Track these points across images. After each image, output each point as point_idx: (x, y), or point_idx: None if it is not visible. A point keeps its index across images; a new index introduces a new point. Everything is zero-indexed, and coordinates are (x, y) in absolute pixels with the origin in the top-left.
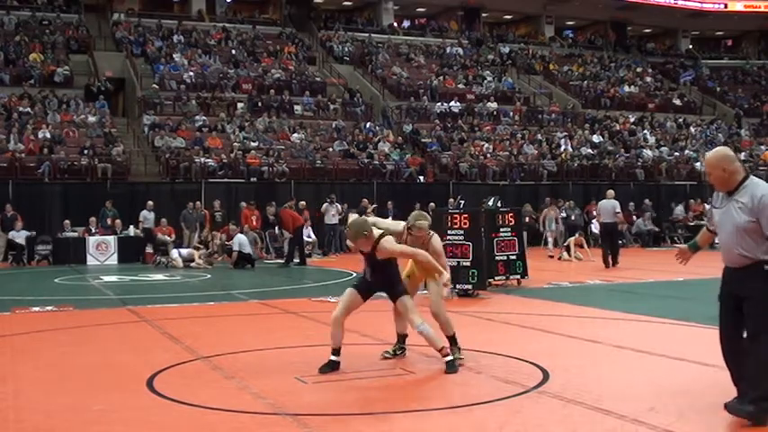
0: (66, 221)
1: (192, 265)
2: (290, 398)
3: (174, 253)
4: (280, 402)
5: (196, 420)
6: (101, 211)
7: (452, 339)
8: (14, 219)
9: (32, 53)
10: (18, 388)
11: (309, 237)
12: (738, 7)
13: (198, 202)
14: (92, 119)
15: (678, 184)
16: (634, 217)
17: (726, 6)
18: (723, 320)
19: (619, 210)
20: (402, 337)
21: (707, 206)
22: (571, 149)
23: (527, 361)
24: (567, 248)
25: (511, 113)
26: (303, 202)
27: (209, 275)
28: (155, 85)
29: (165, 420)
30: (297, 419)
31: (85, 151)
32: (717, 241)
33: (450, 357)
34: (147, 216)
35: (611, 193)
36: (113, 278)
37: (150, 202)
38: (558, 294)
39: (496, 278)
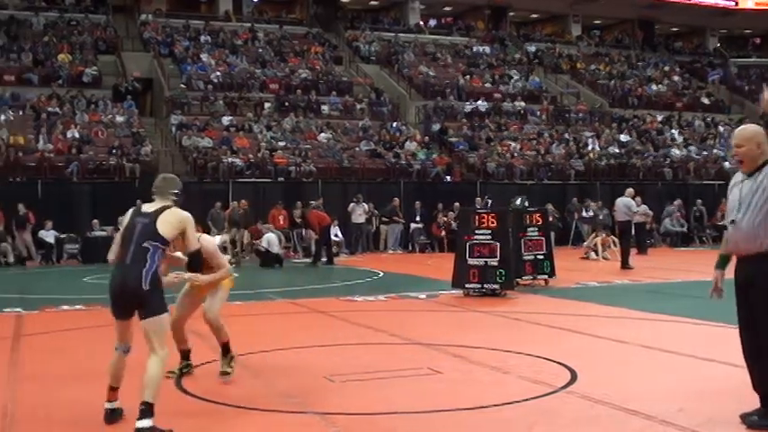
0: (95, 220)
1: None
2: (318, 397)
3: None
4: (308, 401)
5: (225, 419)
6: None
7: (226, 347)
8: (26, 218)
9: (61, 54)
10: (47, 386)
11: (337, 236)
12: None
13: (235, 203)
14: (120, 119)
15: (706, 184)
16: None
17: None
18: (740, 317)
19: (635, 209)
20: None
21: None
22: (599, 149)
23: (555, 361)
24: (595, 248)
25: (538, 113)
26: (313, 203)
27: (237, 274)
28: (182, 85)
29: (193, 419)
30: (325, 418)
31: (114, 151)
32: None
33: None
34: None
35: (629, 191)
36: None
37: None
38: (585, 294)
39: (524, 278)
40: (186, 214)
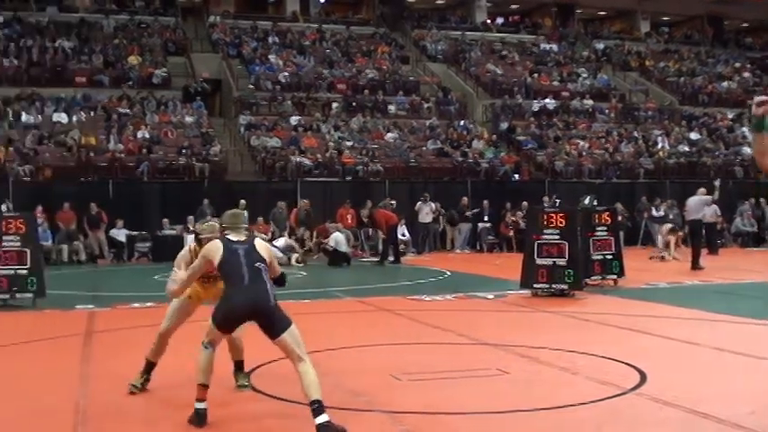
0: (165, 220)
1: (292, 261)
2: (386, 395)
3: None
4: (375, 400)
5: (293, 416)
6: (198, 209)
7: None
8: (99, 217)
9: (131, 56)
10: (118, 382)
11: (404, 235)
12: None
13: (305, 201)
14: (189, 119)
15: None
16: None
17: None
18: None
19: (709, 207)
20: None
21: None
22: (668, 147)
23: (624, 362)
24: (667, 246)
25: (606, 111)
26: (393, 202)
27: (305, 273)
28: (250, 86)
29: (261, 416)
30: (392, 417)
31: (183, 151)
32: None
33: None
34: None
35: (701, 190)
36: None
37: (243, 201)
38: (654, 295)
39: (593, 278)
40: (270, 246)
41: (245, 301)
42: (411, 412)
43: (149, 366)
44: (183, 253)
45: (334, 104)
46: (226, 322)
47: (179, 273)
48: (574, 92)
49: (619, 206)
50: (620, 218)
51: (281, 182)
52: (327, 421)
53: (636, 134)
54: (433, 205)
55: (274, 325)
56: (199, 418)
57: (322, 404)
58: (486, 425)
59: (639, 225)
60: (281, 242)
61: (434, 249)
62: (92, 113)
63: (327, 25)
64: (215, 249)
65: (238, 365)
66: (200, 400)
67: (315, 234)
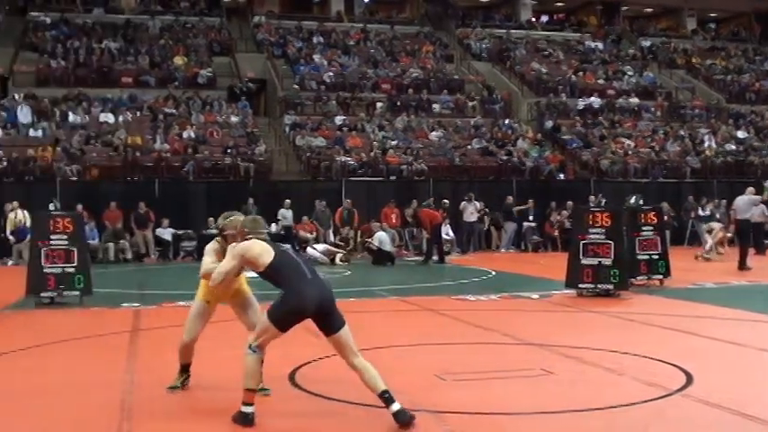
0: (210, 219)
1: (336, 260)
2: (430, 395)
3: (310, 251)
4: (419, 399)
5: (337, 414)
6: (243, 208)
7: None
8: (147, 216)
9: (176, 56)
10: (163, 379)
11: (448, 234)
12: None
13: (348, 201)
14: (234, 119)
15: None
16: None
17: None
18: None
19: (757, 207)
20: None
21: None
22: (715, 146)
23: (670, 363)
24: (720, 245)
25: (652, 109)
26: (446, 201)
27: (349, 272)
28: (295, 86)
29: (306, 414)
30: (437, 416)
31: (228, 150)
32: None
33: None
34: (285, 214)
35: (750, 189)
36: (255, 274)
37: (288, 201)
38: (701, 295)
39: (638, 278)
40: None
41: (315, 295)
42: (455, 412)
43: (183, 368)
44: (209, 246)
45: (379, 104)
46: (290, 318)
47: (206, 259)
48: (619, 90)
49: (665, 206)
50: (666, 217)
51: (326, 181)
52: (402, 408)
53: (682, 133)
54: (477, 204)
55: (335, 320)
56: (246, 420)
57: (391, 393)
58: (530, 425)
59: (686, 225)
60: (320, 247)
61: (479, 249)
62: (138, 113)
63: (372, 25)
64: (261, 250)
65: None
66: (247, 404)
67: (359, 233)
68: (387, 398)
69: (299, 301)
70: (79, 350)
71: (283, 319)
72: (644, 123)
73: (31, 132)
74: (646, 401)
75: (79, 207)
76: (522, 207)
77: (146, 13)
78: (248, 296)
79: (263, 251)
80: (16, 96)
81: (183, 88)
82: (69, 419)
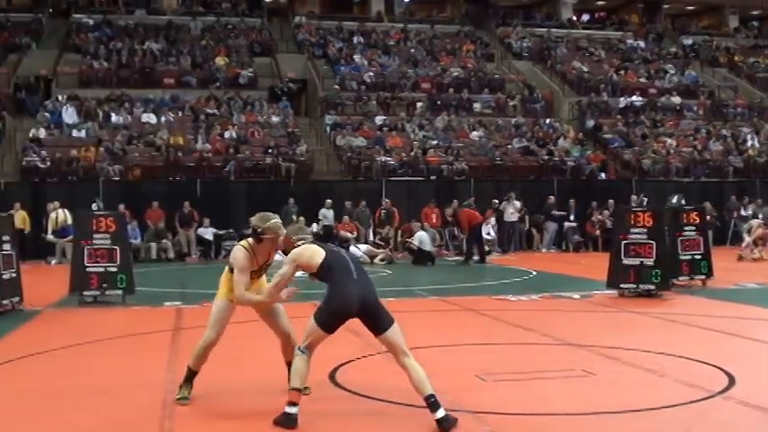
0: (251, 218)
1: (376, 260)
2: (470, 395)
3: (353, 249)
4: (459, 399)
5: (378, 413)
6: (284, 208)
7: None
8: (191, 216)
9: (218, 57)
10: (204, 378)
11: (489, 234)
12: None
13: (387, 200)
14: (275, 119)
15: None
16: None
17: None
18: None
19: None
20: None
21: None
22: (758, 145)
23: (711, 364)
24: (756, 245)
25: (695, 108)
26: (496, 201)
27: (389, 272)
28: (336, 86)
29: (347, 413)
30: (476, 417)
31: (270, 150)
32: None
33: None
34: (325, 214)
35: None
36: (297, 273)
37: (329, 201)
38: (744, 296)
39: (680, 278)
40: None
41: (358, 294)
42: (495, 413)
43: (191, 375)
44: (239, 256)
45: (419, 103)
46: (334, 319)
47: (240, 279)
48: (661, 89)
49: (707, 205)
50: (708, 217)
51: (366, 181)
52: (446, 415)
53: (725, 132)
54: (517, 204)
55: (382, 319)
56: (289, 422)
57: (437, 398)
58: (571, 426)
59: (728, 225)
60: (363, 247)
61: (520, 249)
62: (180, 114)
63: (412, 24)
64: (312, 253)
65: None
66: (292, 404)
67: (399, 233)
68: (432, 402)
69: (342, 302)
70: (121, 349)
71: (328, 320)
72: (686, 122)
73: (75, 133)
74: (687, 403)
75: (121, 207)
76: (560, 213)
77: (187, 15)
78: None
79: (313, 254)
80: (60, 97)
81: (224, 89)
82: (111, 418)
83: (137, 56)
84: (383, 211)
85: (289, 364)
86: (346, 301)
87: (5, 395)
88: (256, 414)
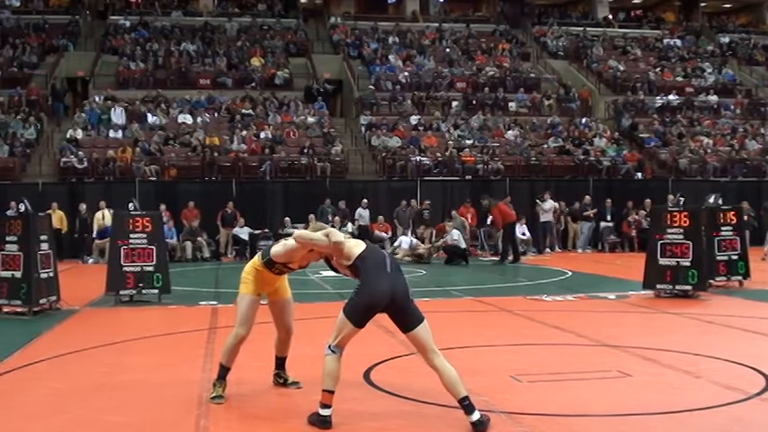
0: (287, 218)
1: (406, 258)
2: (505, 396)
3: (399, 242)
4: (494, 400)
5: (411, 413)
6: (319, 208)
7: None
8: (234, 216)
9: (253, 57)
10: (240, 376)
11: (524, 234)
12: None
13: (413, 200)
14: (311, 119)
15: None
16: None
17: None
18: None
19: None
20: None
21: None
22: None
23: (749, 366)
24: None
25: (732, 107)
26: (539, 201)
27: (423, 272)
28: (371, 86)
29: (381, 412)
30: (511, 418)
31: (305, 151)
32: None
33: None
34: (362, 213)
35: None
36: (332, 273)
37: (365, 200)
38: None
39: (717, 279)
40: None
41: (389, 287)
42: (530, 413)
43: (224, 371)
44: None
45: (454, 103)
46: (364, 312)
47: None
48: (698, 87)
49: (745, 205)
50: (745, 217)
51: (402, 181)
52: (481, 418)
53: (762, 131)
54: (551, 203)
55: (410, 316)
56: (324, 424)
57: (471, 400)
58: (606, 427)
59: (766, 225)
60: (409, 240)
61: (555, 249)
62: (215, 114)
63: (447, 24)
64: (354, 243)
65: (283, 362)
66: (325, 405)
67: (434, 233)
68: (467, 405)
69: (371, 294)
70: (157, 347)
71: (357, 313)
72: (723, 121)
73: (111, 133)
74: (723, 405)
75: (162, 207)
76: (592, 211)
77: (223, 16)
78: (289, 296)
79: (355, 244)
80: (97, 98)
81: (260, 89)
82: (147, 415)
83: (173, 57)
84: (425, 210)
85: (277, 359)
86: (377, 293)
87: (43, 393)
88: (290, 413)
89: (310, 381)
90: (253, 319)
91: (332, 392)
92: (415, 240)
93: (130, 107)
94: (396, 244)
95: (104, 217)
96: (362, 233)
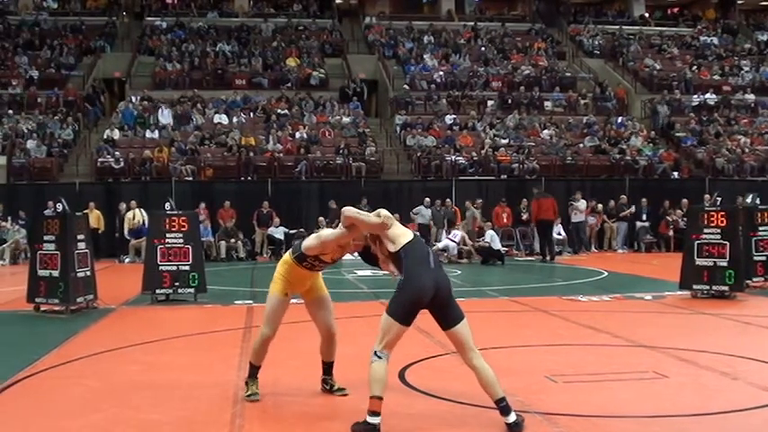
0: (321, 218)
1: (445, 256)
2: (540, 396)
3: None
4: (529, 400)
5: (445, 413)
6: (356, 207)
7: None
8: (270, 216)
9: (289, 58)
10: (276, 376)
11: (560, 234)
12: None
13: (447, 200)
14: (346, 119)
15: None
16: None
17: None
18: None
19: None
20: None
21: None
22: None
23: None
24: None
25: None
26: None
27: (459, 271)
28: (406, 86)
29: (415, 412)
30: (547, 418)
31: (340, 150)
32: None
33: None
34: (423, 213)
35: None
36: (367, 272)
37: (427, 199)
38: None
39: (754, 279)
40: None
41: (433, 281)
42: (565, 414)
43: (254, 370)
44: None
45: (490, 102)
46: (409, 308)
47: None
48: (735, 86)
49: None
50: None
51: (437, 181)
52: (517, 420)
53: None
54: (585, 203)
55: (452, 313)
56: (371, 430)
57: (508, 402)
58: (642, 428)
59: None
60: (459, 234)
61: (591, 249)
62: (251, 115)
63: (482, 23)
64: (403, 230)
65: (330, 367)
66: (374, 413)
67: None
68: (503, 407)
69: (415, 289)
70: (193, 346)
71: (404, 309)
72: (761, 120)
73: (148, 133)
74: (760, 407)
75: (202, 206)
76: (628, 211)
77: (259, 16)
78: (325, 293)
79: (404, 232)
80: (134, 99)
81: (295, 89)
82: (183, 414)
83: (209, 57)
84: (467, 211)
85: (324, 364)
86: (422, 288)
87: (79, 391)
88: (326, 413)
89: (351, 383)
90: (279, 319)
91: (380, 399)
92: (460, 234)
93: (188, 108)
94: (440, 246)
95: (135, 216)
96: (423, 233)
